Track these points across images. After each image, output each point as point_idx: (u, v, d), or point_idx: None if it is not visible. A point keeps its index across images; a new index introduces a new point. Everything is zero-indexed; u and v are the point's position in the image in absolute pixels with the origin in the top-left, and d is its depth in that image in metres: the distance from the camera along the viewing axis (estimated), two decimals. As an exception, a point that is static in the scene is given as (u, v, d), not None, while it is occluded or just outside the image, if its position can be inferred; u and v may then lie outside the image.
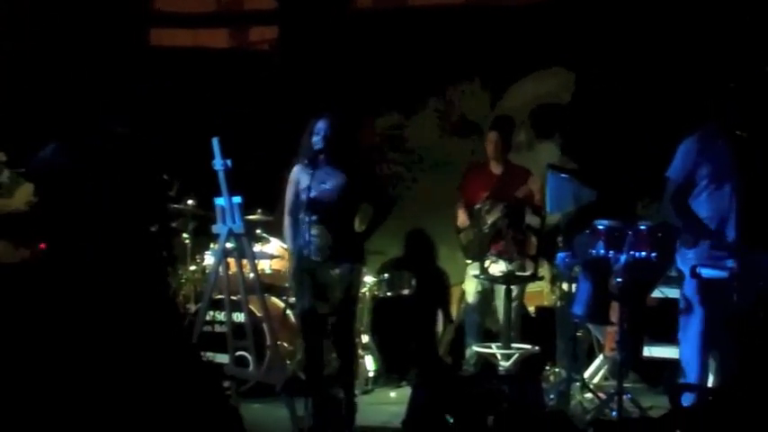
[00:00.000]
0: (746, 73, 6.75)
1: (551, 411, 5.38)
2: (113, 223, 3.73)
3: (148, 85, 8.05)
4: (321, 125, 5.48)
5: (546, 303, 7.17)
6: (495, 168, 7.09)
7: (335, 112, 5.59)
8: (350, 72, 8.32)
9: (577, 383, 6.03)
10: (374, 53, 8.41)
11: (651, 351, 6.25)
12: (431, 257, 8.03)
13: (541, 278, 6.67)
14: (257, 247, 6.82)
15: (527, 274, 6.47)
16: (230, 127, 6.53)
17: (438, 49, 8.27)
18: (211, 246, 6.86)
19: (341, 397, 5.54)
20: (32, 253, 5.73)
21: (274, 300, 6.77)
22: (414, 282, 7.24)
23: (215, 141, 5.62)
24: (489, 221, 6.39)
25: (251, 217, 6.73)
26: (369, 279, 6.98)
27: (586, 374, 6.40)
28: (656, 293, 5.82)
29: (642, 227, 5.20)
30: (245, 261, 5.93)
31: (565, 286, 6.17)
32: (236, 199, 5.67)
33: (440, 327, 7.64)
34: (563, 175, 6.49)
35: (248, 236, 5.90)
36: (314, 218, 5.46)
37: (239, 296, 5.95)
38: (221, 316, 6.35)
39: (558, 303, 6.48)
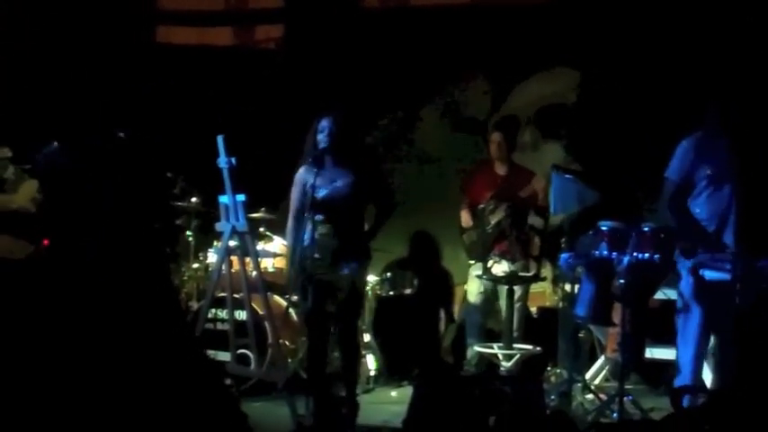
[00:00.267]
0: (747, 73, 6.77)
1: (553, 412, 5.37)
2: (115, 221, 3.73)
3: (154, 83, 8.07)
4: (326, 124, 5.45)
5: (548, 304, 7.16)
6: (500, 169, 7.08)
7: (340, 111, 5.57)
8: (355, 71, 8.33)
9: (579, 384, 6.02)
10: (380, 52, 8.41)
11: (653, 353, 6.24)
12: (434, 257, 8.03)
13: (544, 279, 6.67)
14: (260, 245, 6.83)
15: (530, 274, 6.47)
16: (235, 125, 6.53)
17: (444, 48, 8.26)
18: (215, 243, 6.87)
19: (342, 396, 5.54)
20: (36, 249, 5.74)
21: (276, 298, 6.77)
22: (416, 281, 7.24)
23: (220, 139, 5.62)
24: (493, 222, 6.39)
25: (254, 215, 6.74)
26: (371, 278, 6.98)
27: (588, 375, 6.39)
28: (659, 295, 5.81)
29: (645, 228, 5.18)
30: (247, 259, 5.94)
31: (567, 287, 6.17)
32: (240, 197, 5.68)
33: (442, 326, 7.64)
34: (567, 176, 6.48)
35: (251, 234, 5.91)
36: (322, 217, 5.44)
37: (242, 294, 5.97)
38: (223, 314, 6.35)
39: (561, 304, 6.48)
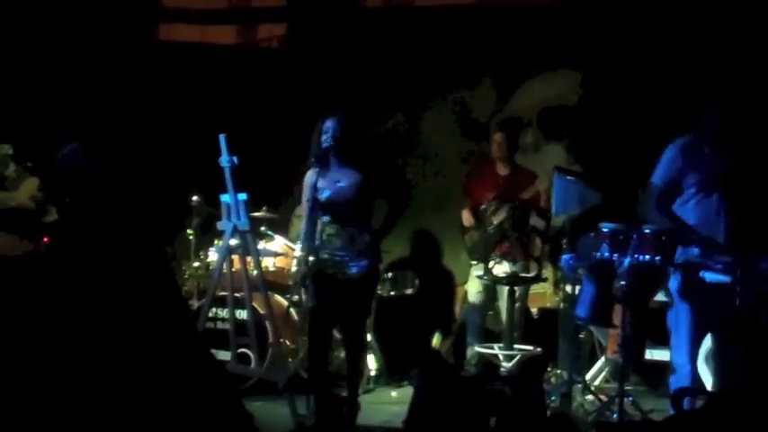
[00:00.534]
0: (747, 74, 6.76)
1: (553, 413, 5.38)
2: (118, 218, 3.73)
3: (156, 81, 8.07)
4: (330, 124, 5.43)
5: (549, 305, 7.16)
6: (502, 170, 7.08)
7: (344, 111, 5.56)
8: (358, 71, 8.32)
9: (579, 385, 6.02)
10: (382, 52, 8.40)
11: (653, 354, 6.25)
12: (435, 257, 8.04)
13: (545, 280, 6.67)
14: (261, 245, 6.83)
15: (530, 275, 6.47)
16: (237, 124, 6.53)
17: (446, 48, 8.25)
18: (216, 242, 6.88)
19: (343, 395, 5.54)
20: (35, 247, 5.75)
21: (277, 297, 6.77)
22: (417, 282, 7.24)
23: (222, 138, 5.62)
24: (495, 222, 6.38)
25: (256, 214, 6.75)
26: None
27: (588, 376, 6.40)
28: (659, 297, 5.81)
29: (646, 230, 5.17)
30: (249, 258, 5.94)
31: (568, 288, 6.17)
32: (242, 196, 5.68)
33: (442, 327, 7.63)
34: (569, 178, 6.48)
35: (253, 233, 5.91)
36: (329, 218, 5.44)
37: (242, 293, 5.96)
38: (224, 313, 6.36)
39: (561, 305, 6.48)
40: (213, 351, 5.96)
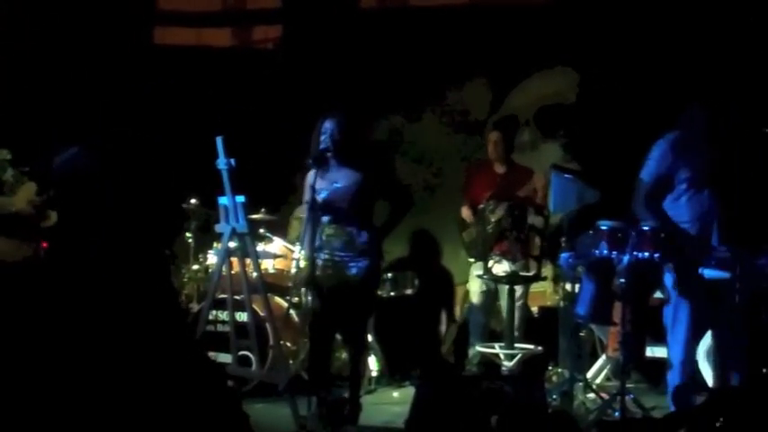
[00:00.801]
0: (745, 74, 6.76)
1: (554, 411, 5.38)
2: (117, 220, 3.73)
3: (152, 84, 8.06)
4: (328, 125, 5.43)
5: (549, 303, 7.16)
6: (499, 168, 7.09)
7: (343, 111, 5.55)
8: (354, 71, 8.32)
9: (580, 383, 6.02)
10: (378, 53, 8.40)
11: (654, 351, 6.24)
12: (434, 257, 8.03)
13: (544, 278, 6.67)
14: (260, 247, 6.82)
15: (530, 274, 6.47)
16: (234, 126, 6.52)
17: (443, 48, 8.26)
18: (214, 245, 6.86)
19: (344, 396, 5.54)
20: (35, 251, 5.74)
21: (277, 299, 6.76)
22: (417, 281, 7.24)
23: (219, 140, 5.61)
24: (493, 221, 6.39)
25: (254, 216, 6.74)
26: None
27: (589, 374, 6.39)
28: (659, 294, 5.81)
29: (645, 227, 5.18)
30: (248, 260, 5.93)
31: (568, 286, 6.17)
32: (240, 198, 5.67)
33: (443, 326, 7.63)
34: (567, 176, 6.49)
35: (251, 235, 5.90)
36: (328, 218, 5.44)
37: (242, 296, 5.96)
38: (224, 315, 6.35)
39: (561, 303, 6.48)
40: (214, 354, 6.00)
